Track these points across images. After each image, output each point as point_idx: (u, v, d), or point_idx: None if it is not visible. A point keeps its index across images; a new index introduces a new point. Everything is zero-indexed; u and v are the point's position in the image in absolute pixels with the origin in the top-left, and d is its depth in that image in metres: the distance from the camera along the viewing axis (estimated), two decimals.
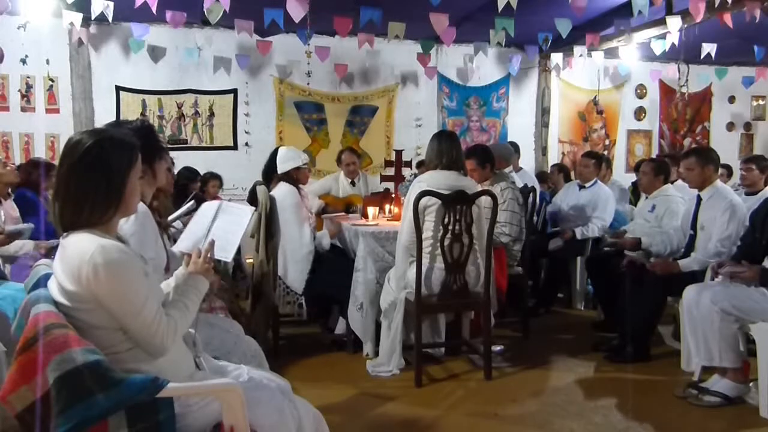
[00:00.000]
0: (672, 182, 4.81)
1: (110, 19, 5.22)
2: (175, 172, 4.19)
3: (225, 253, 2.04)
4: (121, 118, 6.09)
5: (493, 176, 4.34)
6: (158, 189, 2.46)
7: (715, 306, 3.11)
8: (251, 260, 4.28)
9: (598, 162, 5.48)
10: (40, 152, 5.88)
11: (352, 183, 5.48)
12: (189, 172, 5.10)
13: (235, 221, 2.12)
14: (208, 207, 2.25)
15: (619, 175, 7.71)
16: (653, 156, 7.73)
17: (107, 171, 1.66)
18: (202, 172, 5.57)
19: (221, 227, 2.10)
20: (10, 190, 3.94)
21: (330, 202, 5.35)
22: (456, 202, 3.44)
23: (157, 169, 2.34)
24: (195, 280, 1.88)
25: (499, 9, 4.77)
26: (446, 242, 3.47)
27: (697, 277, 3.67)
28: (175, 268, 2.13)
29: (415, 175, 4.70)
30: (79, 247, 1.60)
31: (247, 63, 6.40)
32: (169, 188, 2.88)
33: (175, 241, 2.56)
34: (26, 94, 5.93)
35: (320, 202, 5.27)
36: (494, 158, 4.42)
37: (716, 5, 5.13)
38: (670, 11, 5.62)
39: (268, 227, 3.93)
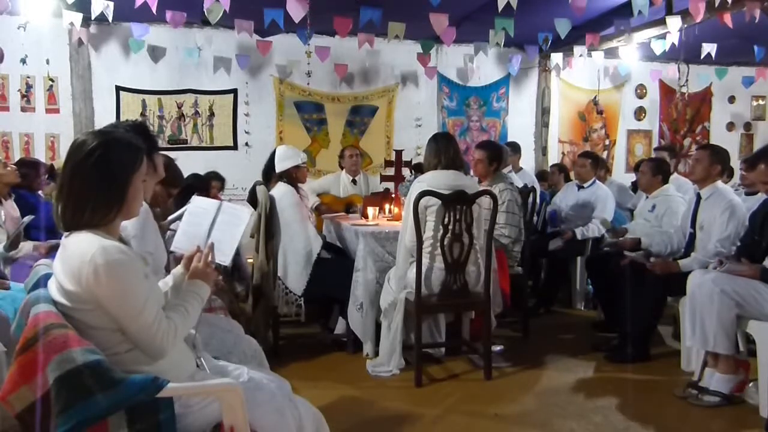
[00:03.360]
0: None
1: (110, 19, 5.22)
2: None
3: (223, 257, 2.03)
4: (121, 118, 6.10)
5: (493, 176, 4.36)
6: (154, 198, 2.47)
7: (716, 287, 3.13)
8: (251, 260, 4.28)
9: (595, 161, 5.48)
10: (40, 152, 5.88)
11: (354, 182, 5.48)
12: (197, 180, 5.06)
13: (234, 223, 2.11)
14: (203, 203, 2.24)
15: (619, 175, 7.73)
16: (655, 146, 7.74)
17: (110, 172, 1.65)
18: (202, 172, 5.56)
19: (219, 229, 2.09)
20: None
21: (331, 202, 5.34)
22: (456, 202, 3.44)
23: (156, 161, 2.37)
24: (196, 285, 1.86)
25: (499, 9, 4.76)
26: (446, 242, 3.47)
27: None
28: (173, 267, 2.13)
29: (415, 176, 4.71)
30: (80, 247, 1.60)
31: (247, 63, 6.40)
32: (163, 200, 2.90)
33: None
34: (26, 94, 5.93)
35: (316, 200, 5.25)
36: (503, 161, 4.48)
37: (716, 5, 5.12)
38: (670, 11, 5.62)
39: (267, 227, 3.93)
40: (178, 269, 2.05)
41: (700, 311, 3.19)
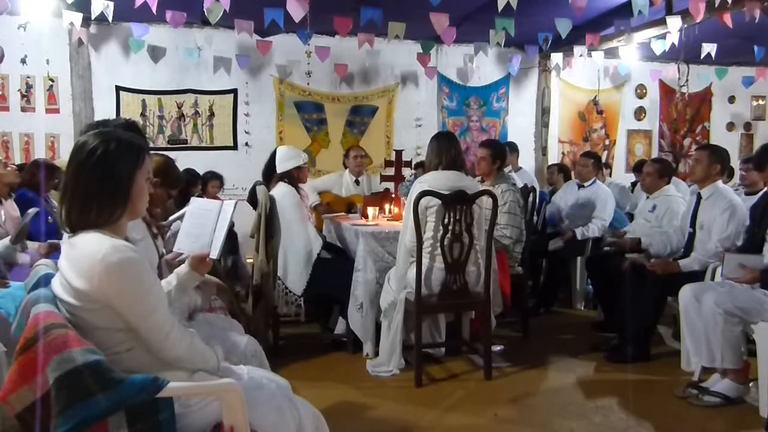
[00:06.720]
0: None
1: (110, 19, 5.22)
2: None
3: (213, 252, 2.09)
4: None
5: (495, 176, 4.36)
6: (151, 199, 2.47)
7: (718, 308, 3.10)
8: (251, 260, 4.28)
9: (597, 162, 5.52)
10: (40, 152, 5.88)
11: (357, 182, 5.47)
12: (190, 175, 5.07)
13: (222, 217, 2.16)
14: (204, 204, 2.24)
15: (619, 175, 7.73)
16: (654, 156, 7.72)
17: (113, 172, 1.66)
18: (202, 172, 5.56)
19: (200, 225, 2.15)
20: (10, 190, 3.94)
21: (332, 201, 5.33)
22: (456, 202, 3.44)
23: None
24: (228, 371, 1.86)
25: (499, 9, 4.76)
26: (446, 242, 3.47)
27: (697, 277, 3.67)
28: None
29: (415, 176, 4.71)
30: (90, 246, 1.60)
31: (247, 63, 6.40)
32: (162, 201, 2.90)
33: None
34: (26, 94, 5.93)
35: (316, 198, 5.23)
36: (506, 159, 4.50)
37: (716, 5, 5.12)
38: (670, 11, 5.61)
39: (267, 227, 3.93)
40: (183, 268, 2.06)
41: (704, 331, 3.19)
